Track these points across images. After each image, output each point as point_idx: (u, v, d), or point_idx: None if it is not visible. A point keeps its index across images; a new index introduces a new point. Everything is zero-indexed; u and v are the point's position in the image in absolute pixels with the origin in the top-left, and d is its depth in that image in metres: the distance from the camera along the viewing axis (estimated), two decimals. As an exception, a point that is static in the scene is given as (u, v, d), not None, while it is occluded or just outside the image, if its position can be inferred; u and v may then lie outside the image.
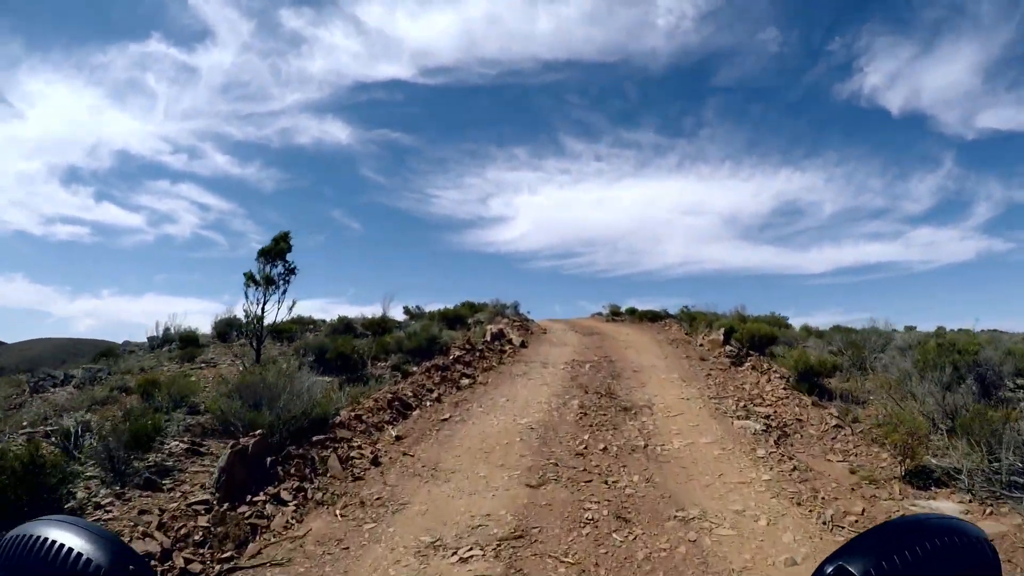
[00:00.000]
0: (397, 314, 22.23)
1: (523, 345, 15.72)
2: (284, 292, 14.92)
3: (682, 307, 26.41)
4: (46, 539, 0.70)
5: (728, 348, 13.61)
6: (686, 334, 17.90)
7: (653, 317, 24.72)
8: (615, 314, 26.67)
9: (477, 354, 12.56)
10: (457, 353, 11.99)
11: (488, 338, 15.04)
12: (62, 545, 0.70)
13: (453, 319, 20.04)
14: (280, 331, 14.66)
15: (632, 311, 26.28)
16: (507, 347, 14.79)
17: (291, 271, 13.89)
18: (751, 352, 12.62)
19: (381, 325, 17.04)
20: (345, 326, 17.48)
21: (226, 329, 15.39)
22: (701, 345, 15.19)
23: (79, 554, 0.69)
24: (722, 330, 14.80)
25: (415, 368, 11.04)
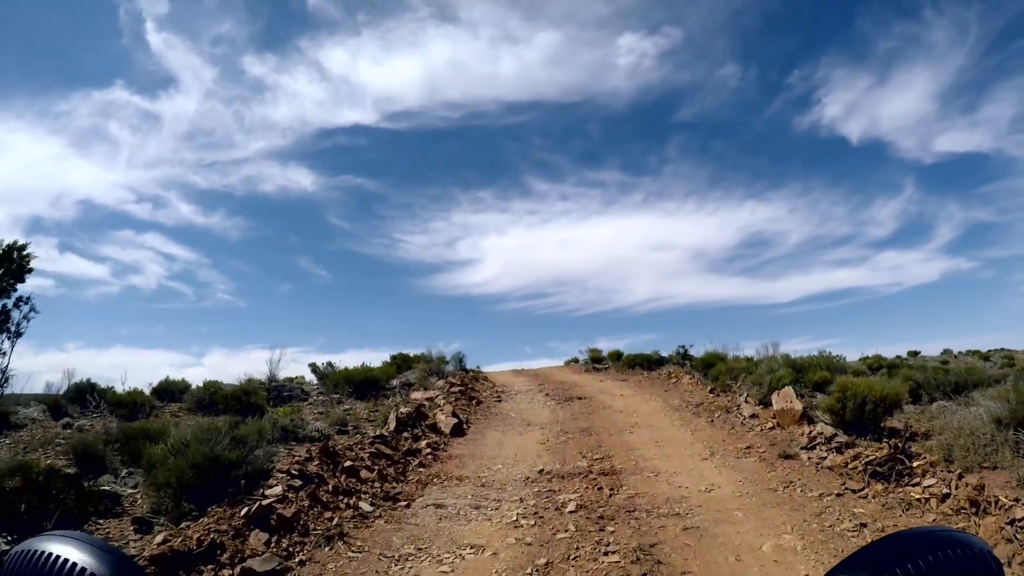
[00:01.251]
0: (299, 372, 15.74)
1: (458, 431, 9.31)
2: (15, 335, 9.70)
3: (679, 347, 20.60)
4: (50, 554, 0.71)
5: (818, 429, 7.43)
6: (710, 391, 11.76)
7: (647, 363, 18.65)
8: (596, 360, 20.49)
9: (339, 479, 6.00)
10: (280, 490, 5.36)
11: (392, 426, 8.57)
12: (66, 560, 0.71)
13: (366, 384, 13.51)
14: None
15: (617, 355, 20.16)
16: (426, 442, 8.34)
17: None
18: (887, 440, 6.35)
19: (245, 399, 10.37)
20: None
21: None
22: (754, 418, 8.98)
23: (83, 568, 0.70)
24: (787, 389, 8.68)
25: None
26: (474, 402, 11.82)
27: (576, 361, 21.82)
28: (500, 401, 12.31)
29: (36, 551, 0.72)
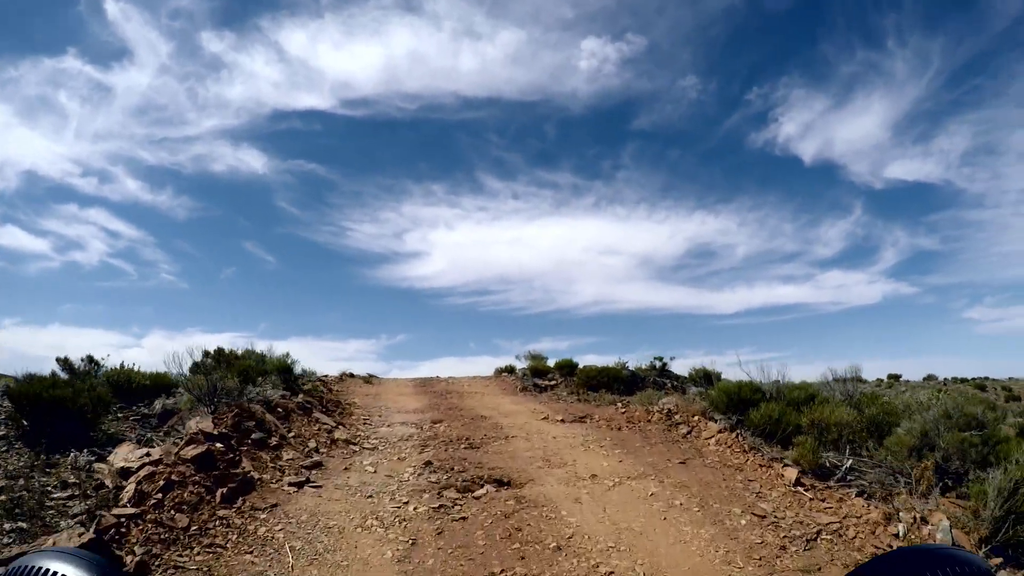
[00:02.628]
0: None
1: None
2: None
3: (654, 359, 14.31)
4: (47, 570, 0.73)
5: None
6: (799, 486, 5.12)
7: (614, 382, 12.04)
8: (539, 373, 13.72)
9: None
10: None
11: None
12: (57, 574, 0.72)
13: (63, 414, 6.11)
14: None
15: (570, 367, 13.48)
16: None
17: None
18: None
19: None
20: None
21: None
22: None
23: None
24: None
25: None
26: (223, 493, 4.69)
27: (511, 371, 14.99)
28: (302, 490, 5.22)
29: (32, 567, 0.74)
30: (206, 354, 11.05)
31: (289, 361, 10.18)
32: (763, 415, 6.83)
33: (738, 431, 6.74)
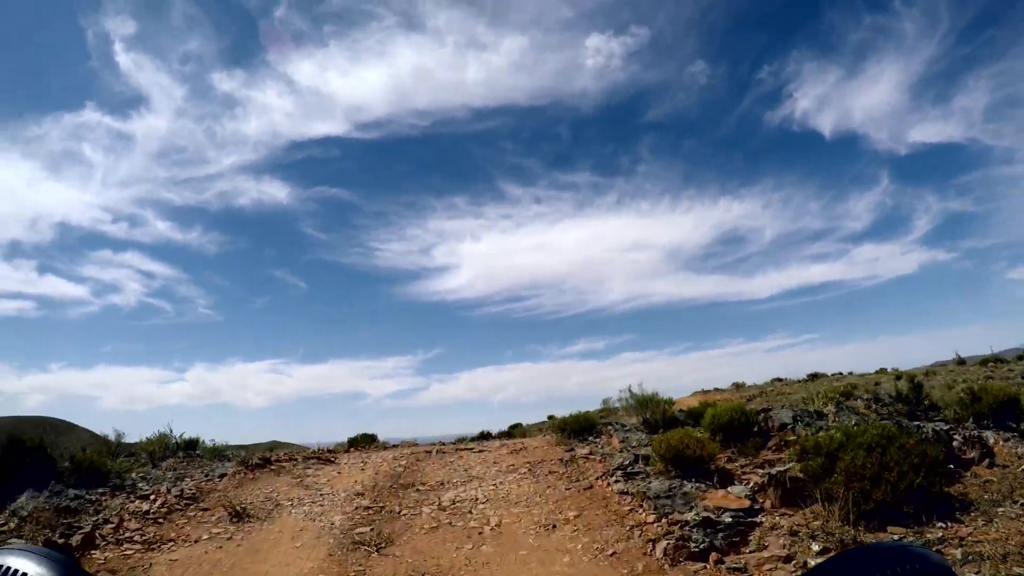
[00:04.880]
0: None
1: None
2: None
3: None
4: (7, 568, 0.73)
5: None
6: None
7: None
8: (653, 425, 10.03)
9: None
10: None
11: None
12: (23, 573, 0.73)
13: None
14: None
15: (735, 421, 9.59)
16: None
17: None
18: None
19: None
20: None
21: None
22: None
23: None
24: None
25: None
26: None
27: (580, 428, 11.28)
28: None
29: None
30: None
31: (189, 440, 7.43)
32: None
33: None
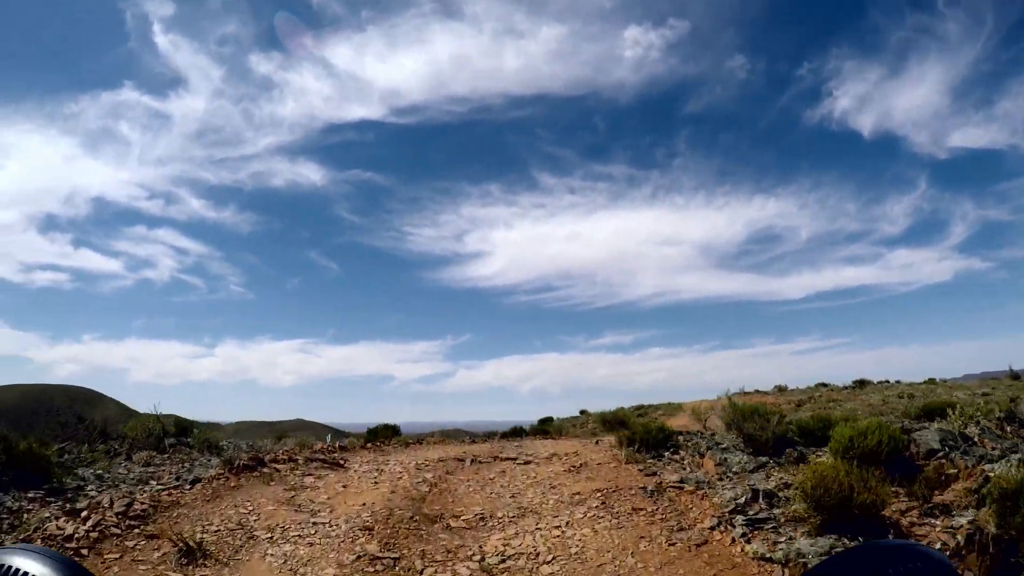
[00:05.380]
0: None
1: None
2: None
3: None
4: (9, 567, 0.72)
5: None
6: None
7: None
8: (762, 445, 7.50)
9: None
10: None
11: None
12: (26, 573, 0.72)
13: None
14: None
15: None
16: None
17: None
18: None
19: None
20: None
21: None
22: None
23: None
24: None
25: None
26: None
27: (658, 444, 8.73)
28: None
29: None
30: None
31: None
32: None
33: None
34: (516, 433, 19.98)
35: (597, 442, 12.02)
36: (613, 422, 25.07)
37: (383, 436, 16.18)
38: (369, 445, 12.65)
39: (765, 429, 8.59)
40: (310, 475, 8.41)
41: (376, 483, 7.70)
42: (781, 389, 40.76)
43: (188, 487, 7.64)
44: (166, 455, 10.70)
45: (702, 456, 8.45)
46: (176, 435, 12.89)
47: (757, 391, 41.17)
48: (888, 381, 35.68)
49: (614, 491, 6.90)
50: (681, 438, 9.94)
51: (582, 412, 35.48)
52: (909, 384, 32.20)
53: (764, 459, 8.39)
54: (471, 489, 7.31)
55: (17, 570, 0.72)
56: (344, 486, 7.58)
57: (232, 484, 7.81)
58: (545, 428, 21.78)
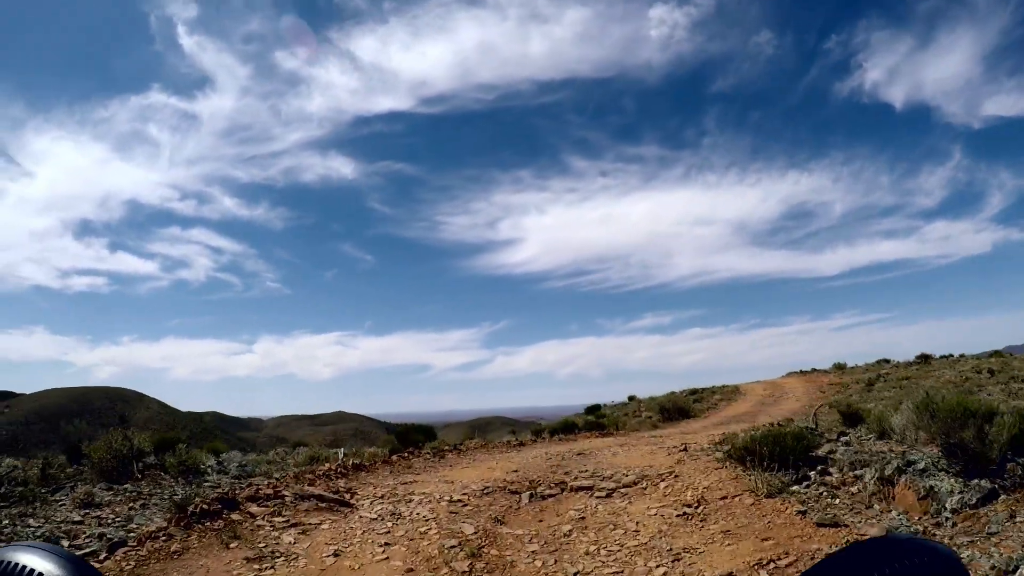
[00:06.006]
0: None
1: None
2: None
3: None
4: (16, 564, 0.71)
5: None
6: None
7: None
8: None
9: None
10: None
11: None
12: (32, 570, 0.70)
13: None
14: None
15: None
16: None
17: None
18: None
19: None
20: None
21: None
22: None
23: None
24: None
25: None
26: None
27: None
28: None
29: (3, 562, 0.71)
30: None
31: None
32: None
33: None
34: (567, 428, 17.10)
35: (686, 448, 9.06)
36: (672, 410, 21.97)
37: (413, 440, 13.51)
38: (394, 458, 9.97)
39: (983, 437, 5.47)
40: (295, 525, 5.68)
41: (387, 545, 4.89)
42: (840, 367, 37.15)
43: (105, 555, 4.98)
44: (126, 486, 8.16)
45: (890, 484, 5.40)
46: (162, 450, 10.44)
47: (814, 370, 37.55)
48: (952, 355, 32.05)
49: (788, 565, 3.93)
50: (827, 447, 6.89)
51: (631, 398, 32.40)
52: (975, 357, 28.70)
53: (985, 483, 5.32)
54: (537, 561, 4.42)
55: (24, 567, 0.69)
56: (336, 553, 4.79)
57: (174, 547, 5.13)
58: (600, 422, 18.76)
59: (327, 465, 8.60)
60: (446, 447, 11.48)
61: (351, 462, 8.88)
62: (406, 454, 10.45)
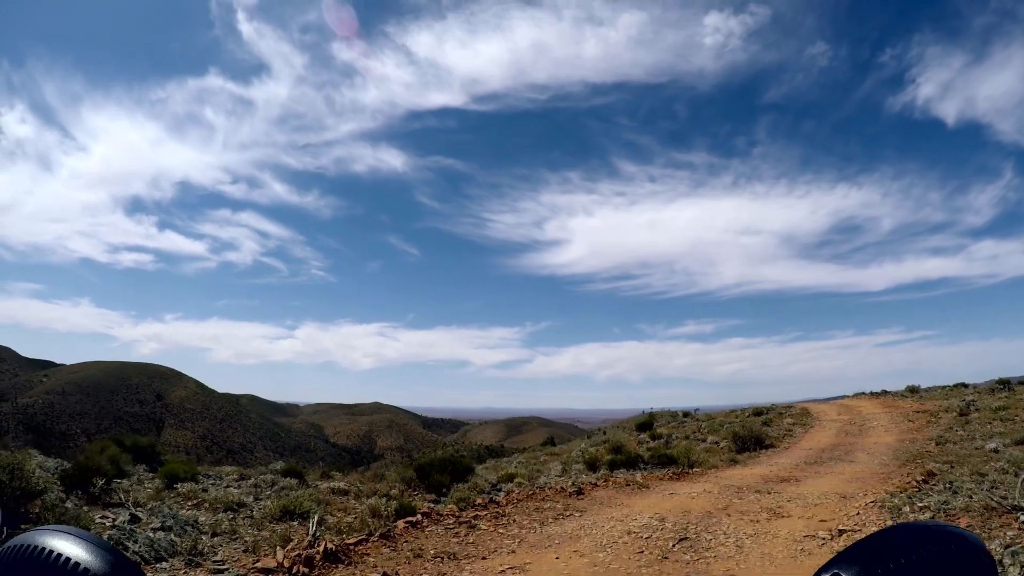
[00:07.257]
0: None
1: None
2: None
3: None
4: (45, 549, 0.68)
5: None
6: None
7: None
8: None
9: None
10: None
11: None
12: (60, 555, 0.67)
13: None
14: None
15: None
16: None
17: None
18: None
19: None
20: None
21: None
22: None
23: (76, 563, 0.66)
24: None
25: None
26: None
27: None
28: None
29: (32, 546, 0.68)
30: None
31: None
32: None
33: None
34: (629, 463, 13.48)
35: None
36: (747, 439, 18.13)
37: (435, 483, 10.03)
38: (400, 526, 6.61)
39: None
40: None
41: None
42: (913, 390, 32.63)
43: None
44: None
45: None
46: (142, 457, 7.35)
47: (885, 391, 33.00)
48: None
49: None
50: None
51: (686, 415, 28.58)
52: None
53: None
54: None
55: (52, 551, 0.66)
56: None
57: None
58: (667, 453, 14.91)
59: (280, 555, 5.24)
60: (478, 504, 8.03)
61: (324, 546, 5.51)
62: (419, 518, 7.04)
